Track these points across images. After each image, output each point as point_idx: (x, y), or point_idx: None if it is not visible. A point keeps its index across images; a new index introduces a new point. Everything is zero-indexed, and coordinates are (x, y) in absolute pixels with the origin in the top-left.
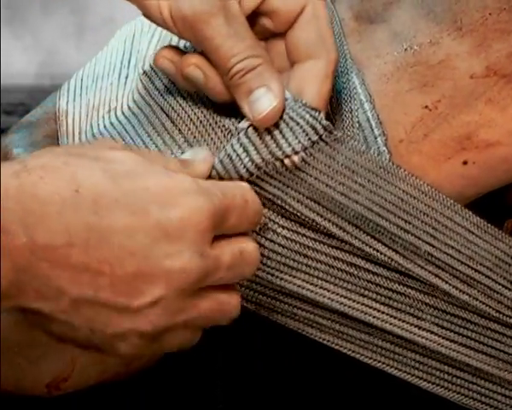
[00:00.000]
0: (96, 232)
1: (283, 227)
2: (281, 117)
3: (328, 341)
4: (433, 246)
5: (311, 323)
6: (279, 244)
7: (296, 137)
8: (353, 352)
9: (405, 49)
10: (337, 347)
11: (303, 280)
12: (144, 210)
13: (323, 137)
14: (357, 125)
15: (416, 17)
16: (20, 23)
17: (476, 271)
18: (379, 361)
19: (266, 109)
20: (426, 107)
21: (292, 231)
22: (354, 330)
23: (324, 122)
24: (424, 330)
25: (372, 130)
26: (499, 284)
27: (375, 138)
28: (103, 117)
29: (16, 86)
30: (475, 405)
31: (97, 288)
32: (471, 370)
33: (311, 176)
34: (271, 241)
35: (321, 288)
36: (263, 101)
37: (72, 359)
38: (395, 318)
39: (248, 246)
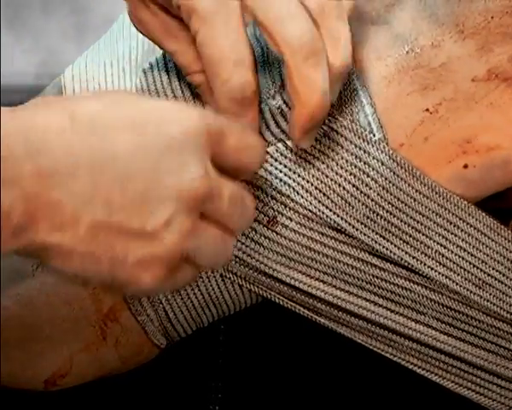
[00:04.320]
0: (98, 154)
1: (291, 219)
2: (283, 101)
3: (324, 323)
4: (445, 247)
5: (307, 305)
6: (285, 237)
7: None
8: (349, 334)
9: (407, 52)
10: (333, 328)
11: (300, 272)
12: (143, 129)
13: (327, 122)
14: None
15: (418, 19)
16: (21, 23)
17: (489, 275)
18: (374, 346)
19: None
20: (427, 110)
21: (299, 224)
22: (352, 317)
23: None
24: (421, 324)
25: (373, 135)
26: None
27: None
28: None
29: (16, 86)
30: (469, 394)
31: (110, 211)
32: (467, 361)
33: (317, 159)
34: (278, 234)
35: (317, 280)
36: None
37: (70, 356)
38: (392, 311)
39: (248, 197)
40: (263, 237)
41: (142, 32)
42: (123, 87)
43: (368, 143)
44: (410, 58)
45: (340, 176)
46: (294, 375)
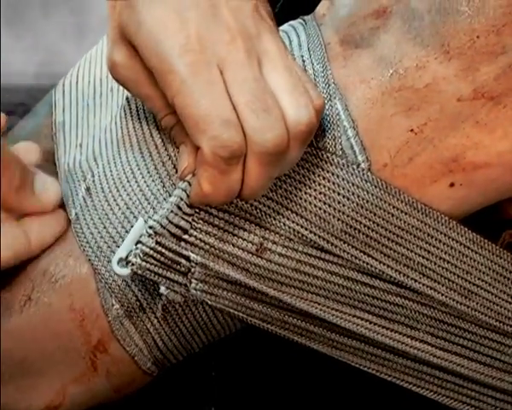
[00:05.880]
0: None
1: (276, 243)
2: None
3: (318, 348)
4: (428, 259)
5: (300, 331)
6: (275, 263)
7: None
8: (342, 358)
9: (391, 74)
10: (327, 353)
11: (292, 295)
12: None
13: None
14: (341, 152)
15: (403, 41)
16: (20, 23)
17: (474, 284)
18: (368, 367)
19: (181, 168)
20: (411, 130)
21: (285, 247)
22: (345, 337)
23: None
24: (417, 340)
25: (356, 157)
26: (499, 297)
27: (359, 165)
28: (105, 129)
29: (16, 86)
30: (465, 408)
31: None
32: (463, 376)
33: (290, 185)
34: (268, 260)
35: (311, 301)
36: (181, 157)
37: (62, 387)
38: (387, 328)
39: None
40: (253, 266)
41: (115, 79)
42: (110, 109)
43: (336, 168)
44: (394, 80)
45: (310, 195)
46: (289, 398)
